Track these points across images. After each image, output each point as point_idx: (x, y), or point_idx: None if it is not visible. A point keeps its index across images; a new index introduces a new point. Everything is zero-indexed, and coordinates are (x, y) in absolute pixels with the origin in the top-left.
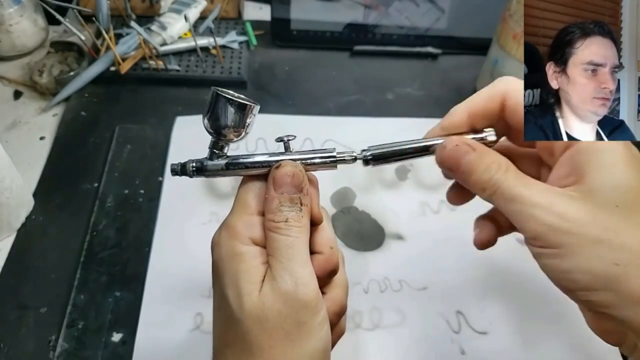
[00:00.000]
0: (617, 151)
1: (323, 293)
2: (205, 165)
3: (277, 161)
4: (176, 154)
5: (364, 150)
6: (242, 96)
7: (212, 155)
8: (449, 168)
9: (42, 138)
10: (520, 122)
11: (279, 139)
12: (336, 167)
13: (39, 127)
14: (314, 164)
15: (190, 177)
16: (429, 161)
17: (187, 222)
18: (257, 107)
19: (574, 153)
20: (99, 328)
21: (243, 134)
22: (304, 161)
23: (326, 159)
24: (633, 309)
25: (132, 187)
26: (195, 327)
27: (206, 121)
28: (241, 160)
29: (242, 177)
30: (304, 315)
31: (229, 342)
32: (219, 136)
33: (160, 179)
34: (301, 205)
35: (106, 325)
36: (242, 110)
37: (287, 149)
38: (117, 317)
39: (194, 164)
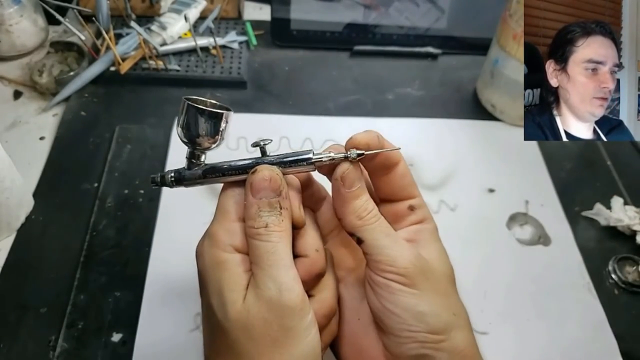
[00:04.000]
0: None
1: (311, 295)
2: (183, 175)
3: (254, 166)
4: (176, 154)
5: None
6: (215, 102)
7: (189, 165)
8: (349, 183)
9: (42, 138)
10: (395, 192)
11: (255, 144)
12: (315, 168)
13: (39, 127)
14: (291, 166)
15: (170, 187)
16: (428, 161)
17: (187, 222)
18: (231, 114)
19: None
20: (99, 328)
21: (218, 141)
22: (281, 165)
23: (303, 161)
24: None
25: (132, 187)
26: (195, 327)
27: (180, 131)
28: (218, 168)
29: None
30: (290, 320)
31: (218, 351)
32: (194, 145)
33: None
34: (280, 209)
35: (106, 325)
36: (214, 118)
37: (263, 153)
38: (117, 317)
39: (172, 175)
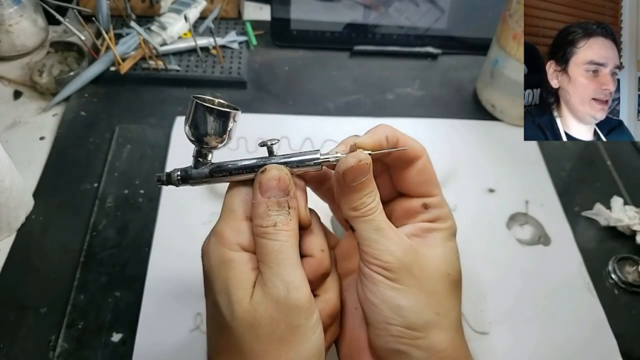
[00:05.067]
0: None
1: (316, 295)
2: (190, 174)
3: (262, 166)
4: (176, 154)
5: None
6: (223, 102)
7: (196, 164)
8: (350, 179)
9: (42, 138)
10: (413, 187)
11: (262, 144)
12: (321, 168)
13: (39, 127)
14: (299, 166)
15: (176, 186)
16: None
17: (187, 222)
18: (239, 113)
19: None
20: (99, 328)
21: (226, 140)
22: (288, 165)
23: (310, 161)
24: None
25: (132, 187)
26: (195, 327)
27: (187, 130)
28: (225, 167)
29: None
30: (297, 319)
31: (223, 350)
32: (201, 144)
33: None
34: (289, 208)
35: (106, 325)
36: (222, 117)
37: (271, 153)
38: (117, 317)
39: (178, 173)
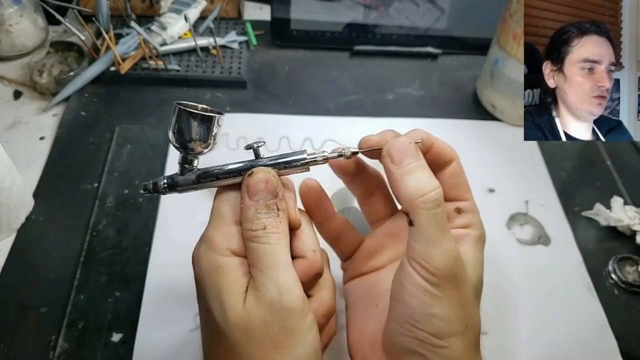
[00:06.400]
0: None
1: (309, 296)
2: (176, 181)
3: (249, 169)
4: (176, 154)
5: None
6: (206, 107)
7: (182, 170)
8: (398, 160)
9: (42, 138)
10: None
11: (249, 147)
12: (309, 169)
13: (39, 127)
14: (286, 167)
15: (164, 194)
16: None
17: (187, 222)
18: (223, 117)
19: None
20: (99, 328)
21: (211, 145)
22: (275, 166)
23: (297, 162)
24: None
25: (132, 187)
26: (195, 327)
27: (172, 137)
28: (212, 172)
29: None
30: (291, 322)
31: (218, 355)
32: (186, 150)
33: None
34: (278, 210)
35: (106, 325)
36: (206, 122)
37: (257, 155)
38: (117, 317)
39: (165, 181)
